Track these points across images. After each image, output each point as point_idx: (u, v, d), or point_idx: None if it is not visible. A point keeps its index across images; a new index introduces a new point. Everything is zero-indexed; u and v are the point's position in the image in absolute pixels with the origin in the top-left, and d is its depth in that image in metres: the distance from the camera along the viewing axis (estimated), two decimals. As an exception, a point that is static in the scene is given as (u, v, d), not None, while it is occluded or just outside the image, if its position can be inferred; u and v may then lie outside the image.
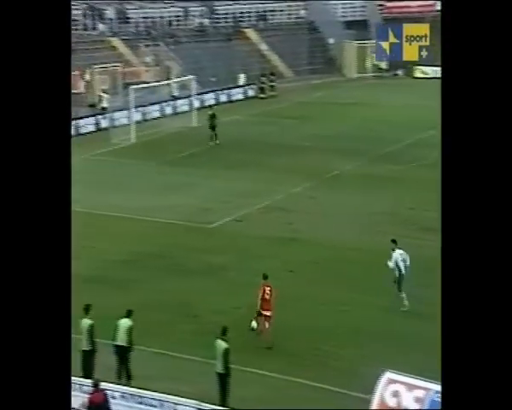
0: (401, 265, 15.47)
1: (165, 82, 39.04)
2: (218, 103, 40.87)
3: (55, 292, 7.97)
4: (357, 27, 51.23)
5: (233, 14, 49.18)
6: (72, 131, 32.64)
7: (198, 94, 38.72)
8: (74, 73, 35.61)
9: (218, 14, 48.65)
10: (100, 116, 34.32)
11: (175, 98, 38.27)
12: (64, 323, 8.08)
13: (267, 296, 14.36)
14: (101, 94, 35.76)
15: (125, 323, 13.23)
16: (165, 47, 43.18)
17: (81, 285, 16.75)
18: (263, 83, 43.46)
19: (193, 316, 15.61)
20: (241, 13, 49.94)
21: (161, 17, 45.54)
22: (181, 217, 21.55)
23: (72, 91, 35.41)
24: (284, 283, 17.18)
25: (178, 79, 39.24)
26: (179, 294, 16.63)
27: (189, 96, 37.55)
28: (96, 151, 29.99)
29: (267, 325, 14.31)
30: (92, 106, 35.95)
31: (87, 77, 36.36)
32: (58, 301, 8.00)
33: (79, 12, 42.04)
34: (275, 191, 24.39)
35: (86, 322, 13.22)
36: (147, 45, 42.38)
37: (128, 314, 13.32)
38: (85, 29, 41.88)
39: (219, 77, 43.64)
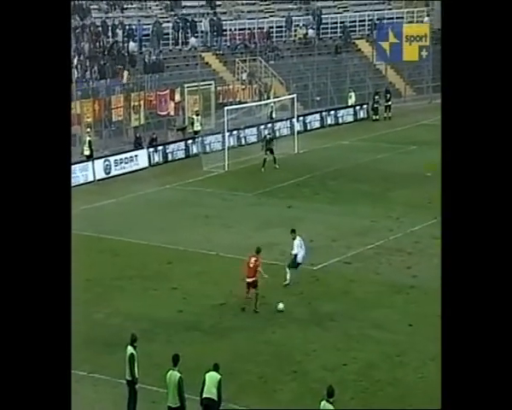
0: (300, 253, 20.00)
1: (264, 102, 39.99)
2: (323, 126, 41.49)
3: (55, 295, 9.11)
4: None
5: (342, 23, 49.65)
6: (160, 158, 34.08)
7: (301, 116, 39.42)
8: (163, 92, 37.11)
9: (325, 23, 49.28)
10: (190, 141, 35.47)
11: (274, 120, 39.11)
12: (64, 326, 9.20)
13: (251, 265, 18.57)
14: (193, 116, 36.93)
15: (213, 376, 13.53)
16: (264, 62, 44.19)
17: (171, 333, 17.42)
18: (377, 102, 43.50)
19: (295, 372, 15.81)
20: (353, 22, 50.34)
21: (260, 28, 46.66)
22: (282, 257, 21.88)
23: (161, 113, 37.42)
24: (402, 338, 17.15)
25: (278, 99, 40.07)
26: (281, 345, 16.88)
27: (290, 118, 38.28)
28: (186, 180, 30.96)
29: (253, 290, 18.39)
30: (182, 129, 37.16)
31: (177, 97, 37.45)
32: (58, 304, 9.18)
33: (169, 24, 43.77)
34: (390, 229, 24.34)
35: (175, 375, 13.55)
36: (243, 60, 43.53)
37: (215, 368, 13.60)
38: (176, 43, 43.48)
39: (325, 96, 44.21)
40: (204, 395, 13.50)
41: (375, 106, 43.38)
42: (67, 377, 9.33)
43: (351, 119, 42.98)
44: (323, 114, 41.73)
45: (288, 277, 19.92)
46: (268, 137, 33.59)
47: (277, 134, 37.90)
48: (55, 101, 9.26)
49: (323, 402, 12.67)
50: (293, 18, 48.16)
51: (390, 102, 43.61)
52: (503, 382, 8.63)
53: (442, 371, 8.96)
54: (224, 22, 45.70)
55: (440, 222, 9.41)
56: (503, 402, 8.62)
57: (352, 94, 44.13)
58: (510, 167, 8.88)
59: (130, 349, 14.23)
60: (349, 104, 43.75)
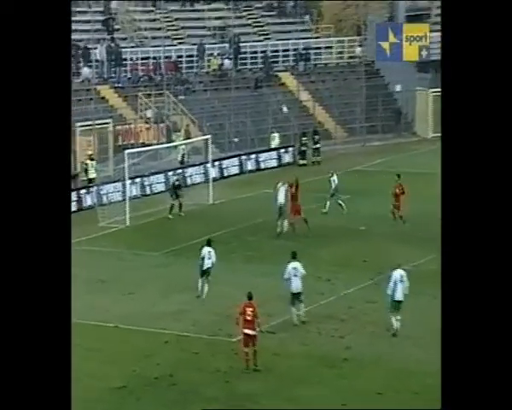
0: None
1: (173, 144, 40.30)
2: (242, 172, 41.99)
3: (54, 297, 11.15)
4: (435, 70, 52.32)
5: (264, 52, 50.61)
6: (47, 211, 33.80)
7: (216, 160, 39.93)
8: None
9: (243, 53, 50.19)
10: (83, 190, 35.47)
11: (185, 166, 39.44)
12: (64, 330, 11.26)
13: (249, 317, 19.57)
14: (87, 161, 36.96)
15: None
16: (173, 97, 44.59)
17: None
18: (304, 145, 44.46)
19: None
20: (275, 51, 51.42)
21: (167, 58, 47.11)
22: (195, 327, 22.04)
23: (48, 157, 37.21)
24: (334, 418, 17.54)
25: (190, 141, 40.49)
26: (191, 433, 16.99)
27: (203, 164, 38.66)
28: (77, 238, 30.25)
29: (252, 347, 19.47)
30: (73, 177, 36.72)
31: (67, 138, 37.58)
32: (58, 307, 11.21)
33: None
34: (320, 292, 24.79)
35: None
36: (147, 95, 43.81)
37: None
38: (66, 74, 43.57)
39: (245, 137, 44.88)
40: None
41: (302, 149, 44.29)
42: (67, 379, 11.20)
43: (274, 164, 43.69)
44: (242, 158, 42.33)
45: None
46: (176, 183, 33.88)
47: (189, 181, 38.27)
48: (55, 104, 11.07)
49: None
50: (207, 46, 48.83)
51: (319, 145, 44.61)
52: (502, 382, 10.29)
53: (442, 371, 10.72)
54: (123, 50, 45.93)
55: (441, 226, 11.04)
56: (502, 402, 10.29)
57: (276, 135, 44.94)
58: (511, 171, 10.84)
59: None
60: (272, 147, 44.49)
